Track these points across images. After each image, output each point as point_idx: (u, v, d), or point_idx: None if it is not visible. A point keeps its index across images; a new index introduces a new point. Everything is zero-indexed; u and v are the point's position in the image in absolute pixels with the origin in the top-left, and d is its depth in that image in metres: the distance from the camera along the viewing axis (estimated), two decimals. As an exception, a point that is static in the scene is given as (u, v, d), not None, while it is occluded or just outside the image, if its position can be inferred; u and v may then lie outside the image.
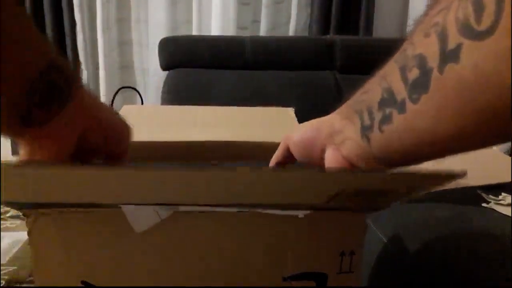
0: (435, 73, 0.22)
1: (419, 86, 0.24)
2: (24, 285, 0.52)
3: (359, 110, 0.31)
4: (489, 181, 0.43)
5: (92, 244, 0.32)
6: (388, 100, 0.27)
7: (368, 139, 0.30)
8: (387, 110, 0.27)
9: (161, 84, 1.52)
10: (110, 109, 0.38)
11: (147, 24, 1.83)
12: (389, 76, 0.27)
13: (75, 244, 0.32)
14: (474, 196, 0.66)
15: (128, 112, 0.66)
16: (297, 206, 0.32)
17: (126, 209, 0.30)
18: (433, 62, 0.23)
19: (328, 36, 1.67)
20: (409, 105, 0.25)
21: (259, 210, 0.31)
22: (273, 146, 0.42)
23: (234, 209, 0.31)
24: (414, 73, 0.24)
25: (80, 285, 0.32)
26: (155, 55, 1.60)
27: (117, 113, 0.38)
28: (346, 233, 0.33)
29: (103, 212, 0.31)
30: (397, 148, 0.28)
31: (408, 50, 0.25)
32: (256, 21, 1.81)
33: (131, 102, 1.89)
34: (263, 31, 1.79)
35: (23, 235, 0.65)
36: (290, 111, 0.68)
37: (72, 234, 0.31)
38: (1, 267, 0.55)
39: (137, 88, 1.86)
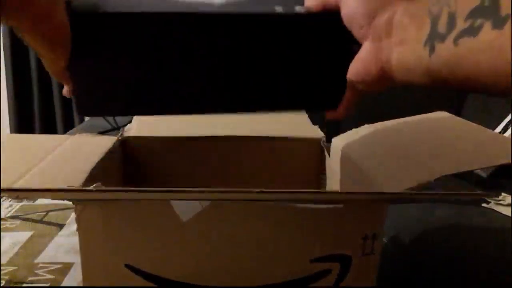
0: None
1: None
2: (24, 285, 0.53)
3: (436, 13, 0.26)
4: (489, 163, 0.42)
5: (136, 231, 0.34)
6: (486, 10, 0.22)
7: (433, 49, 0.25)
8: (478, 21, 0.22)
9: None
10: None
11: (147, 25, 1.83)
12: None
13: (119, 231, 0.34)
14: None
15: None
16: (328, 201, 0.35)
17: (174, 202, 0.33)
18: None
19: (328, 37, 1.66)
20: None
21: (292, 204, 0.35)
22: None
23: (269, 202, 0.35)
24: None
25: (124, 268, 0.34)
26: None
27: None
28: (369, 218, 0.36)
29: (148, 202, 0.34)
30: (467, 68, 0.23)
31: None
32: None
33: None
34: (263, 32, 1.79)
35: (23, 235, 0.65)
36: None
37: (117, 221, 0.34)
38: (1, 267, 0.55)
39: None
